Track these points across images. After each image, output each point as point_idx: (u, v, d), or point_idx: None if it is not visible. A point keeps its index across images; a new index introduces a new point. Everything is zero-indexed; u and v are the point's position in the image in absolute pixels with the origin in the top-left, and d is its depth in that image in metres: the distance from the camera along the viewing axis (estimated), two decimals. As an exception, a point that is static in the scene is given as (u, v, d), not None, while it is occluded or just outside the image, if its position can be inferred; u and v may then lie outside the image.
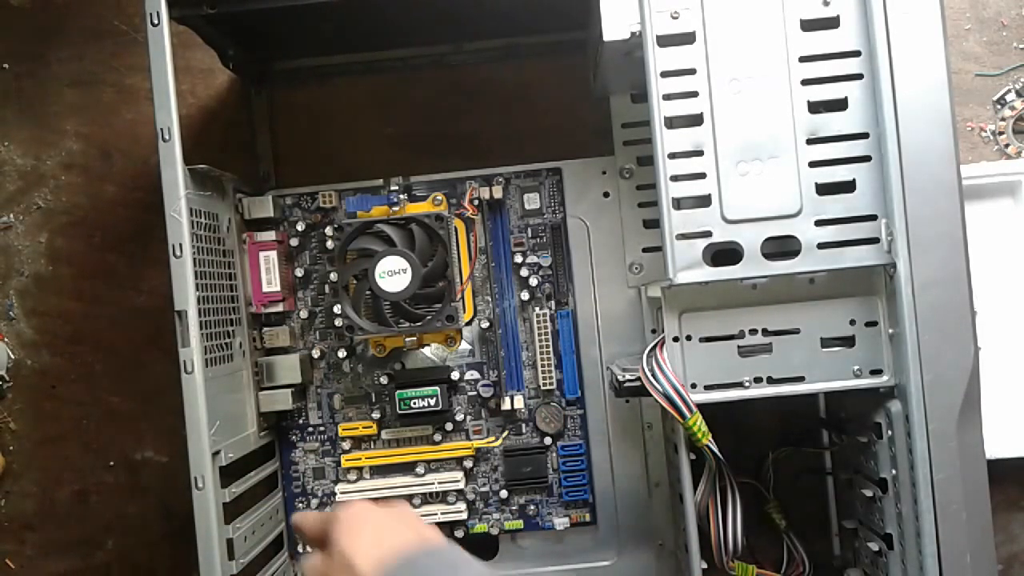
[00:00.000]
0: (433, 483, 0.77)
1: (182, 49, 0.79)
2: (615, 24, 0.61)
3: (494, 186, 0.78)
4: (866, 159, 0.60)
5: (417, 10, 0.73)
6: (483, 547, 0.80)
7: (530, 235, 0.79)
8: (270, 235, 0.77)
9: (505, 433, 0.79)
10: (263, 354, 0.78)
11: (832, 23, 0.60)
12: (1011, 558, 0.81)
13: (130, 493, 0.84)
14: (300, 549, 0.79)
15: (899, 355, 0.60)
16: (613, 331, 0.78)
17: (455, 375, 0.78)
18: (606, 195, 0.79)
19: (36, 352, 0.84)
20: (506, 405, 0.77)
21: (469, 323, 0.78)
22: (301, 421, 0.79)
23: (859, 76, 0.60)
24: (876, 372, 0.62)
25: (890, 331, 0.62)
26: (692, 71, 0.61)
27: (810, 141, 0.60)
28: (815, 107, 0.60)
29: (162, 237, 0.63)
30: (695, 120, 0.61)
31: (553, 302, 0.79)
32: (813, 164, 0.60)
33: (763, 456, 0.77)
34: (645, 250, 0.78)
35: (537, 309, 0.78)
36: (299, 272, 0.79)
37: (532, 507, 0.79)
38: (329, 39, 0.80)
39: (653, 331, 0.76)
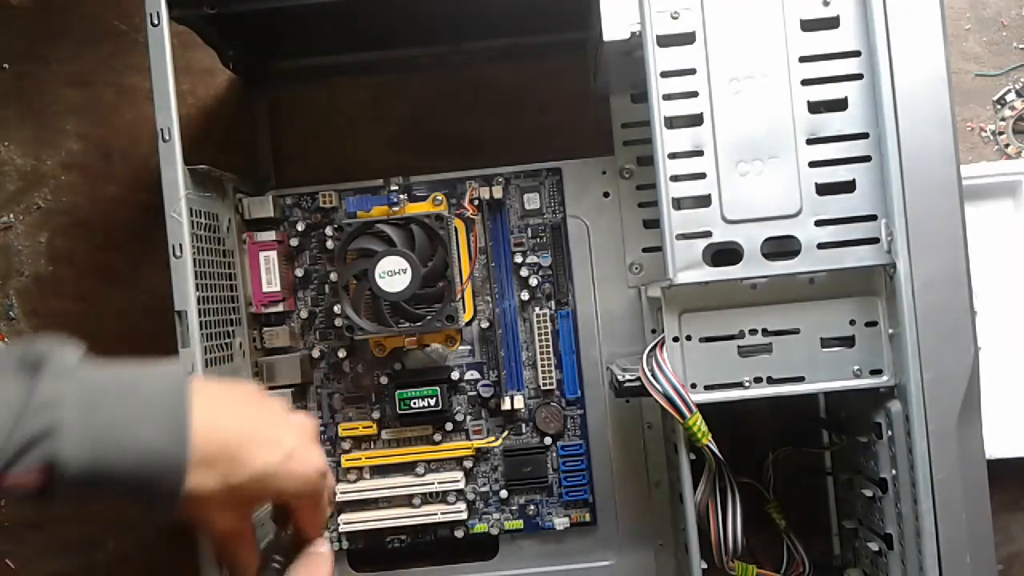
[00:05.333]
0: (433, 483, 0.77)
1: (182, 49, 0.79)
2: (615, 24, 0.61)
3: (494, 186, 0.78)
4: (866, 159, 0.60)
5: (417, 10, 0.73)
6: (483, 547, 0.80)
7: (530, 235, 0.79)
8: (270, 235, 0.77)
9: (505, 433, 0.79)
10: (263, 354, 0.78)
11: (832, 23, 0.60)
12: (1011, 558, 0.81)
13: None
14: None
15: (899, 355, 0.60)
16: (613, 331, 0.78)
17: (455, 375, 0.78)
18: (606, 195, 0.79)
19: (36, 352, 0.84)
20: (506, 405, 0.77)
21: (469, 323, 0.78)
22: (301, 421, 0.79)
23: (859, 76, 0.60)
24: (876, 372, 0.62)
25: (890, 331, 0.62)
26: (692, 71, 0.61)
27: (810, 141, 0.60)
28: (815, 107, 0.60)
29: (162, 237, 0.63)
30: (695, 120, 0.61)
31: (553, 302, 0.79)
32: (813, 164, 0.60)
33: (763, 456, 0.77)
34: (645, 250, 0.78)
35: (537, 309, 0.78)
36: (299, 272, 0.79)
37: (532, 507, 0.79)
38: (329, 39, 0.80)
39: (653, 331, 0.76)
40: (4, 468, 0.42)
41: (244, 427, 0.50)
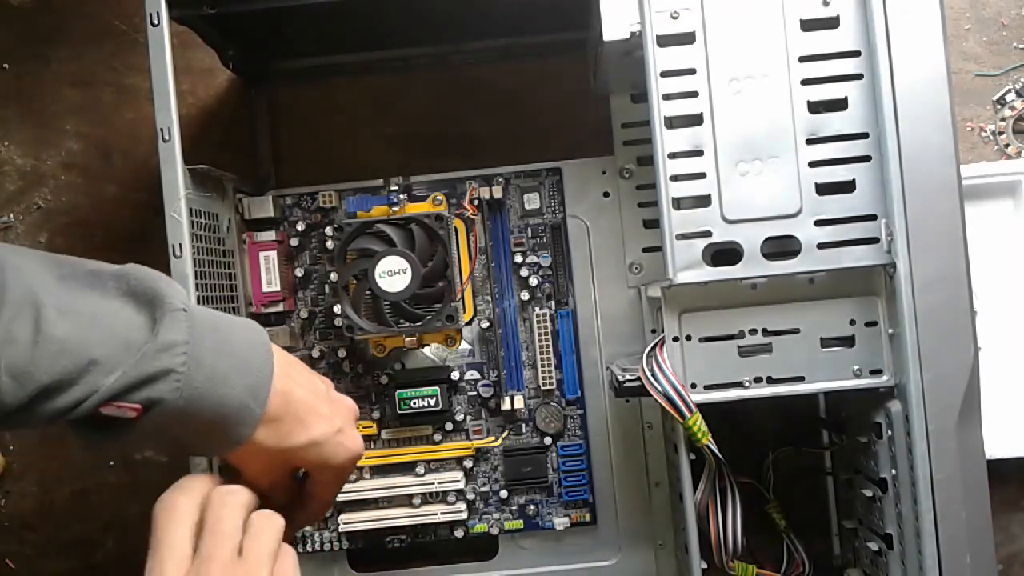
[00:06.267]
0: (433, 483, 0.77)
1: (182, 49, 0.79)
2: (615, 24, 0.61)
3: (494, 186, 0.78)
4: (866, 159, 0.60)
5: (417, 10, 0.73)
6: (483, 547, 0.80)
7: (530, 235, 0.79)
8: (270, 235, 0.77)
9: (505, 433, 0.79)
10: (263, 354, 0.78)
11: (832, 23, 0.60)
12: (1011, 558, 0.81)
13: (130, 493, 0.84)
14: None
15: (899, 355, 0.60)
16: (613, 331, 0.78)
17: (455, 375, 0.78)
18: (606, 195, 0.79)
19: (36, 352, 0.84)
20: (506, 405, 0.77)
21: (469, 323, 0.78)
22: (301, 421, 0.79)
23: (859, 76, 0.60)
24: (876, 372, 0.62)
25: (890, 331, 0.62)
26: (692, 71, 0.61)
27: (810, 141, 0.60)
28: (815, 107, 0.60)
29: (162, 237, 0.63)
30: (695, 120, 0.61)
31: (553, 302, 0.79)
32: (813, 164, 0.60)
33: (763, 456, 0.77)
34: (645, 250, 0.78)
35: (537, 309, 0.78)
36: (299, 272, 0.79)
37: (532, 507, 0.79)
38: (329, 39, 0.80)
39: (653, 331, 0.76)
40: (118, 396, 0.45)
41: (307, 396, 0.53)
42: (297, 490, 0.57)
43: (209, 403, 0.47)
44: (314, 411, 0.53)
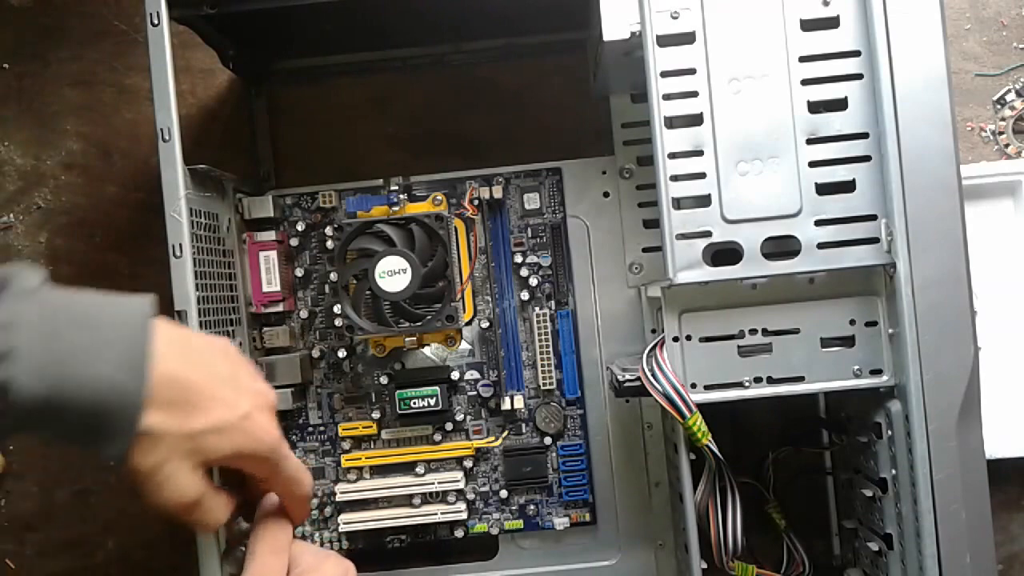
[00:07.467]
0: (433, 483, 0.77)
1: (182, 49, 0.79)
2: (615, 24, 0.61)
3: (494, 186, 0.78)
4: (866, 159, 0.60)
5: (417, 10, 0.74)
6: (483, 547, 0.80)
7: (530, 235, 0.79)
8: (270, 235, 0.77)
9: (505, 433, 0.79)
10: (263, 354, 0.78)
11: (832, 23, 0.60)
12: (1011, 558, 0.81)
13: (130, 493, 0.83)
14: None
15: (899, 355, 0.60)
16: (613, 331, 0.78)
17: (455, 375, 0.78)
18: (606, 195, 0.79)
19: (36, 352, 0.84)
20: (506, 405, 0.77)
21: (469, 323, 0.78)
22: (301, 421, 0.79)
23: (859, 76, 0.60)
24: (876, 372, 0.62)
25: (890, 331, 0.62)
26: (692, 71, 0.61)
27: (810, 141, 0.60)
28: (815, 107, 0.60)
29: (162, 237, 0.63)
30: (695, 120, 0.61)
31: (553, 302, 0.79)
32: (813, 164, 0.60)
33: (763, 456, 0.77)
34: (645, 250, 0.78)
35: (537, 309, 0.78)
36: (299, 272, 0.79)
37: (532, 507, 0.79)
38: (329, 39, 0.80)
39: (653, 331, 0.76)
40: None
41: (203, 378, 0.49)
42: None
43: (74, 384, 0.43)
44: (213, 395, 0.48)
